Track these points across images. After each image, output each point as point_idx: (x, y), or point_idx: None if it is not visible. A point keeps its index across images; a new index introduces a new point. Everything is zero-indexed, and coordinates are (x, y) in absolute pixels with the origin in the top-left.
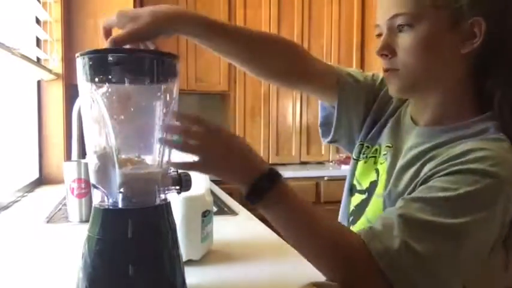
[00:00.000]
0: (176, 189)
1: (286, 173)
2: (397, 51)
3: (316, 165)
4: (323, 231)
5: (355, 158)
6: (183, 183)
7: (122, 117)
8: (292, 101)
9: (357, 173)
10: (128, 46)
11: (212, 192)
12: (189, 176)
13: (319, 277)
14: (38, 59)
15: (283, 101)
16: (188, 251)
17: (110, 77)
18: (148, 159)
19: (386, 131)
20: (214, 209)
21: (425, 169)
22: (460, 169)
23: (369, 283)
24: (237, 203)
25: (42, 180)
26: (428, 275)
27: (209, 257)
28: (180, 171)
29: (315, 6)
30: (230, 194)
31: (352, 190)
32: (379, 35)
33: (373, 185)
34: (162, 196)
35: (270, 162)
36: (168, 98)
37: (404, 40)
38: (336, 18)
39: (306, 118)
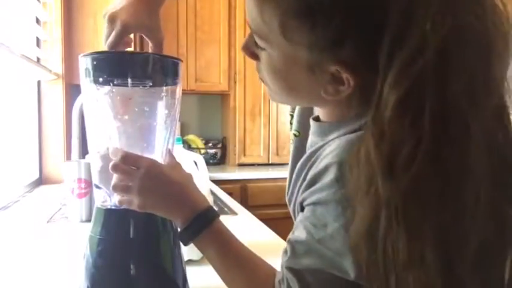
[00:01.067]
0: None
1: (286, 173)
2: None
3: None
4: (246, 273)
5: None
6: None
7: (126, 117)
8: None
9: None
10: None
11: (212, 192)
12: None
13: None
14: (38, 59)
15: None
16: (188, 251)
17: (113, 78)
18: None
19: (295, 115)
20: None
21: (304, 183)
22: (319, 201)
23: None
24: (237, 203)
25: (42, 180)
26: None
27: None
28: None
29: None
30: (230, 194)
31: None
32: None
33: None
34: None
35: (270, 162)
36: (170, 99)
37: (261, 55)
38: None
39: None
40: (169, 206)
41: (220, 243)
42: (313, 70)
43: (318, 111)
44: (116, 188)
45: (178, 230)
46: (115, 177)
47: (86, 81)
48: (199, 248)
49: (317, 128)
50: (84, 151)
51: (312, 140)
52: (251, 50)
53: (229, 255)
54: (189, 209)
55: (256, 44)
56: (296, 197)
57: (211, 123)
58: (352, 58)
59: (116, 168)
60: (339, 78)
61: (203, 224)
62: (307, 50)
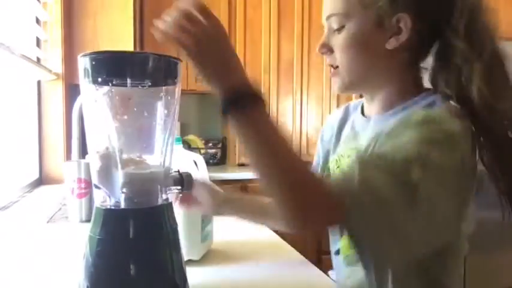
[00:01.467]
0: (178, 189)
1: None
2: (334, 50)
3: None
4: (291, 161)
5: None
6: (184, 183)
7: (125, 117)
8: (292, 102)
9: None
10: None
11: None
12: (190, 176)
13: (319, 277)
14: (38, 59)
15: (283, 101)
16: (188, 251)
17: (112, 78)
18: (150, 159)
19: (342, 142)
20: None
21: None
22: (407, 124)
23: (326, 215)
24: None
25: (42, 180)
26: (383, 212)
27: (209, 257)
28: (181, 171)
29: (315, 6)
30: None
31: None
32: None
33: None
34: (164, 196)
35: None
36: (170, 99)
37: (338, 39)
38: None
39: (306, 119)
40: (223, 65)
41: (267, 121)
42: (380, 23)
43: (372, 111)
44: (176, 25)
45: (221, 98)
46: (179, 16)
47: (85, 82)
48: (237, 124)
49: (377, 119)
50: (84, 151)
51: (372, 131)
52: (328, 45)
53: (276, 136)
54: (240, 78)
55: (332, 36)
56: None
57: (211, 123)
58: (410, 8)
59: (184, 12)
60: (398, 29)
61: (253, 95)
62: (376, 7)
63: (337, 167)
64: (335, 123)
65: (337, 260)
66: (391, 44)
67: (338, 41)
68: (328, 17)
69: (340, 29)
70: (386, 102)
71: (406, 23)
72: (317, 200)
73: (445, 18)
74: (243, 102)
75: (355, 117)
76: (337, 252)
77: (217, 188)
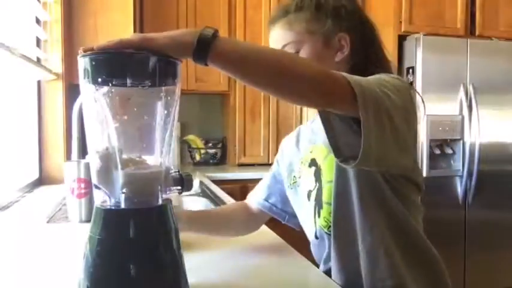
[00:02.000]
0: (178, 190)
1: None
2: None
3: None
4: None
5: (293, 184)
6: (184, 183)
7: (125, 117)
8: None
9: (302, 185)
10: None
11: (212, 192)
12: (190, 176)
13: (319, 277)
14: (38, 59)
15: (283, 101)
16: None
17: (111, 78)
18: (150, 159)
19: (301, 145)
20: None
21: None
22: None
23: (344, 101)
24: None
25: (42, 180)
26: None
27: (209, 257)
28: (181, 172)
29: None
30: (230, 194)
31: (308, 195)
32: None
33: (316, 173)
34: (164, 196)
35: (270, 162)
36: (169, 99)
37: None
38: None
39: (306, 119)
40: (173, 32)
41: (239, 42)
42: (327, 43)
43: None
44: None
45: (192, 51)
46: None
47: (84, 82)
48: (223, 60)
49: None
50: (84, 151)
51: None
52: None
53: (260, 46)
54: (190, 33)
55: None
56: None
57: (211, 123)
58: (348, 28)
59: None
60: (341, 45)
61: (211, 33)
62: (321, 31)
63: (302, 163)
64: (292, 139)
65: (318, 244)
66: (339, 57)
67: None
68: (283, 46)
69: (296, 52)
70: None
71: (346, 39)
72: (338, 84)
73: (363, 36)
74: (207, 41)
75: (311, 126)
76: (316, 236)
77: (179, 209)
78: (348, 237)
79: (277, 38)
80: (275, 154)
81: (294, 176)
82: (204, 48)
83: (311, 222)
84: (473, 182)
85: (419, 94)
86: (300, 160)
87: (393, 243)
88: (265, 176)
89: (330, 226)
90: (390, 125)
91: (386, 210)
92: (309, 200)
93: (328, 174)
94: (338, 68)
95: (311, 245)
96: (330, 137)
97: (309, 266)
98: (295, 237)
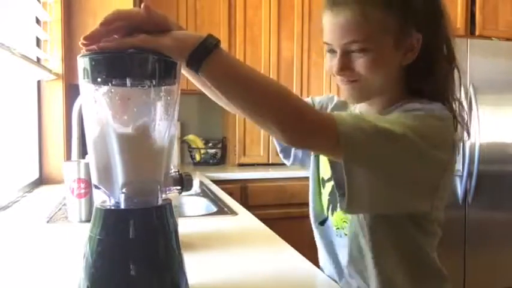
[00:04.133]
0: (178, 190)
1: (286, 173)
2: (354, 68)
3: None
4: (275, 86)
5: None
6: (184, 183)
7: (124, 117)
8: None
9: (320, 166)
10: None
11: (212, 192)
12: (190, 176)
13: (319, 277)
14: (38, 59)
15: None
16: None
17: (111, 78)
18: (150, 159)
19: None
20: (214, 209)
21: None
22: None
23: (318, 138)
24: (237, 203)
25: (42, 180)
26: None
27: (209, 256)
28: (181, 172)
29: (314, 6)
30: (230, 194)
31: (322, 182)
32: (330, 51)
33: None
34: (164, 196)
35: (270, 162)
36: (169, 99)
37: (361, 61)
38: None
39: None
40: (175, 34)
41: (237, 62)
42: (399, 44)
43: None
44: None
45: (187, 56)
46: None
47: (84, 82)
48: (213, 72)
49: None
50: (84, 151)
51: None
52: (350, 67)
53: (253, 72)
54: (194, 36)
55: (350, 57)
56: None
57: (211, 123)
58: (423, 27)
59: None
60: (411, 46)
61: (214, 42)
62: (395, 31)
63: None
64: (335, 106)
65: (321, 231)
66: (407, 60)
67: (361, 63)
68: (350, 43)
69: (362, 52)
70: (384, 104)
71: (419, 41)
72: (316, 123)
73: (435, 38)
74: (207, 49)
75: (354, 110)
76: (322, 223)
77: None
78: (361, 264)
79: (344, 28)
80: (275, 154)
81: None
82: (200, 57)
83: (322, 210)
84: (473, 182)
85: (462, 124)
86: None
87: (405, 271)
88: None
89: (338, 228)
90: (388, 174)
91: (401, 240)
92: (323, 188)
93: None
94: (400, 72)
95: (315, 229)
96: (331, 168)
97: (309, 266)
98: (295, 238)
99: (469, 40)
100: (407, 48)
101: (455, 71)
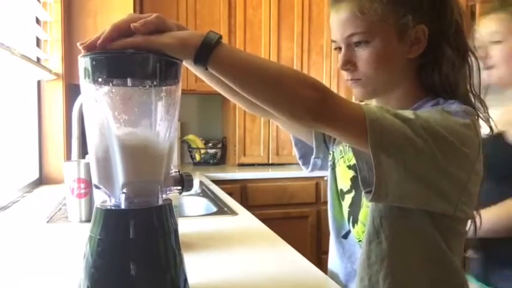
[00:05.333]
0: (178, 190)
1: (286, 173)
2: (357, 64)
3: None
4: (288, 68)
5: (331, 166)
6: (184, 184)
7: (125, 117)
8: None
9: (338, 178)
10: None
11: (212, 192)
12: (190, 176)
13: (319, 277)
14: (38, 59)
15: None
16: None
17: (112, 78)
18: (150, 159)
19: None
20: (214, 209)
21: None
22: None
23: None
24: (237, 203)
25: (42, 180)
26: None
27: (210, 257)
28: (181, 172)
29: (314, 6)
30: (230, 194)
31: (341, 195)
32: (337, 48)
33: (356, 180)
34: (164, 196)
35: (270, 162)
36: (170, 99)
37: (363, 54)
38: None
39: None
40: (177, 33)
41: (243, 52)
42: (402, 36)
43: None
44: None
45: (195, 54)
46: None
47: (85, 82)
48: (221, 65)
49: None
50: (84, 151)
51: None
52: (352, 61)
53: (261, 58)
54: (196, 34)
55: (353, 52)
56: None
57: (211, 123)
58: (428, 19)
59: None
60: (417, 39)
61: (217, 37)
62: (397, 22)
63: (341, 157)
64: None
65: (344, 244)
66: (414, 53)
67: (363, 57)
68: (350, 35)
69: (363, 45)
70: (398, 104)
71: (425, 33)
72: (342, 104)
73: (440, 29)
74: (212, 44)
75: None
76: (346, 236)
77: None
78: (369, 280)
79: (344, 22)
80: (275, 154)
81: (335, 163)
82: (206, 53)
83: (343, 223)
84: None
85: (485, 118)
86: (340, 149)
87: (428, 280)
88: None
89: (360, 241)
90: (416, 167)
91: (426, 252)
92: (342, 200)
93: None
94: (408, 66)
95: (333, 242)
96: (358, 164)
97: (310, 266)
98: (295, 238)
99: (468, 40)
100: (412, 41)
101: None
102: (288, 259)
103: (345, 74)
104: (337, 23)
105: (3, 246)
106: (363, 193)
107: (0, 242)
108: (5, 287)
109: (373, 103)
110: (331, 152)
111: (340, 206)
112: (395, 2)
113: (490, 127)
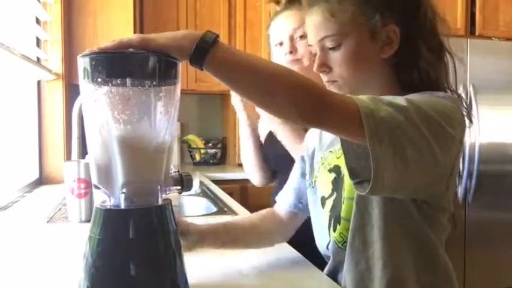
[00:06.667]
0: (178, 189)
1: None
2: (332, 66)
3: None
4: (284, 68)
5: (310, 185)
6: (184, 183)
7: (124, 117)
8: None
9: (319, 189)
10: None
11: (212, 192)
12: (190, 176)
13: (319, 277)
14: (38, 59)
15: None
16: None
17: (111, 78)
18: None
19: (324, 138)
20: (214, 209)
21: None
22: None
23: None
24: (237, 203)
25: (42, 180)
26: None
27: (209, 257)
28: (181, 172)
29: None
30: (230, 194)
31: (322, 202)
32: (315, 54)
33: (336, 182)
34: (164, 196)
35: None
36: (169, 99)
37: (336, 56)
38: None
39: None
40: (173, 34)
41: (241, 52)
42: (374, 36)
43: None
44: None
45: (189, 56)
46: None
47: (84, 82)
48: (216, 67)
49: None
50: (84, 151)
51: None
52: (327, 64)
53: (258, 58)
54: (193, 34)
55: (327, 55)
56: None
57: (211, 123)
58: (398, 19)
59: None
60: (390, 38)
61: (213, 37)
62: (368, 23)
63: (322, 164)
64: (316, 130)
65: (329, 253)
66: (387, 53)
67: (337, 59)
68: (323, 39)
69: (336, 47)
70: None
71: (396, 32)
72: (336, 99)
73: (415, 28)
74: (208, 44)
75: None
76: (327, 246)
77: (192, 225)
78: (366, 263)
79: (316, 26)
80: None
81: (316, 176)
82: (201, 54)
83: (324, 233)
84: (473, 182)
85: (466, 110)
86: (320, 157)
87: (417, 270)
88: (291, 179)
89: (345, 242)
90: (412, 155)
91: (413, 235)
92: (323, 207)
93: (351, 190)
94: (383, 66)
95: (324, 254)
96: (346, 156)
97: (310, 267)
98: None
99: (469, 40)
100: (383, 41)
101: (452, 62)
102: (288, 259)
103: (322, 77)
104: (310, 27)
105: (3, 246)
106: (343, 189)
107: (0, 242)
108: (5, 287)
109: None
110: (307, 173)
111: (322, 212)
112: (365, 3)
113: (470, 119)
